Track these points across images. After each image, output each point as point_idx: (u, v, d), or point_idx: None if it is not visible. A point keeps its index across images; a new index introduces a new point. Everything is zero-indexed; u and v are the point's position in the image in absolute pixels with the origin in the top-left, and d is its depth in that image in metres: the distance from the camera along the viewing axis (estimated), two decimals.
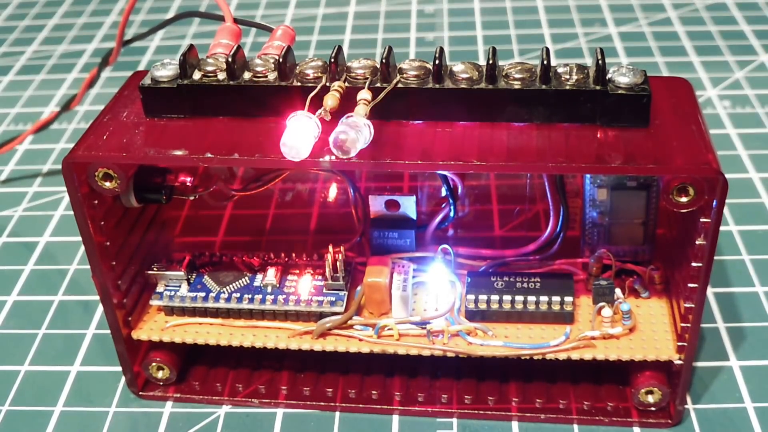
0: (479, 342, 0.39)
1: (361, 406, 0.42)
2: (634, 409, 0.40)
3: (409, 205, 0.42)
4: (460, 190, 0.42)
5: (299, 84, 0.36)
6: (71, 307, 0.49)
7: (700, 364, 0.43)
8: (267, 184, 0.42)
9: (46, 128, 0.57)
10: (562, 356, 0.39)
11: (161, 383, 0.43)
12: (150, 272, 0.42)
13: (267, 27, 0.41)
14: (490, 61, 0.35)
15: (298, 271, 0.42)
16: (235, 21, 0.41)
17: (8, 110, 0.70)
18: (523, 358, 0.39)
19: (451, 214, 0.42)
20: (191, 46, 0.37)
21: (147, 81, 0.37)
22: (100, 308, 0.49)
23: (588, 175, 0.40)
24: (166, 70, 0.37)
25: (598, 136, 0.35)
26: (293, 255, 0.43)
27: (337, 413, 0.42)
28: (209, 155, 0.35)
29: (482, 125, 0.35)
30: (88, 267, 0.52)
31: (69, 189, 0.36)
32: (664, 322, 0.40)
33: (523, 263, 0.42)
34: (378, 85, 0.35)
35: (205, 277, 0.42)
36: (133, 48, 0.79)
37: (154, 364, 0.42)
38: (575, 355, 0.39)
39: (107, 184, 0.37)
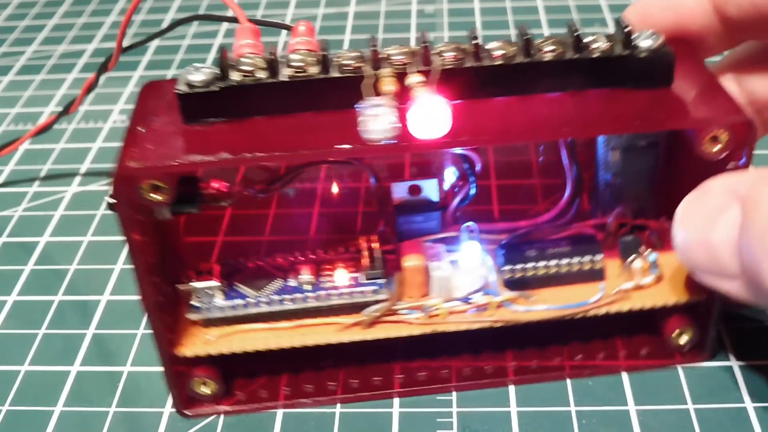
0: (523, 309, 0.41)
1: (418, 388, 0.42)
2: (669, 352, 0.43)
3: (431, 188, 0.43)
4: (478, 167, 0.43)
5: (343, 75, 0.36)
6: (71, 307, 0.49)
7: (699, 364, 0.43)
8: (288, 183, 0.41)
9: (46, 131, 0.56)
10: (601, 311, 0.41)
11: (206, 399, 0.42)
12: (183, 287, 0.40)
13: (285, 25, 0.41)
14: (525, 36, 0.36)
15: (329, 267, 0.42)
16: (251, 21, 0.41)
17: (8, 110, 0.70)
18: (565, 318, 0.41)
19: (472, 191, 0.43)
20: (223, 49, 0.37)
21: (182, 87, 0.36)
22: (100, 308, 0.49)
23: (601, 140, 0.42)
24: (201, 74, 0.36)
25: (631, 98, 0.37)
26: (320, 252, 0.43)
27: (396, 399, 0.42)
28: (277, 153, 0.35)
29: (520, 99, 0.37)
30: (88, 267, 0.52)
31: (121, 206, 0.35)
32: (683, 268, 0.41)
33: (545, 230, 0.44)
34: (421, 68, 0.36)
35: (238, 284, 0.41)
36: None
37: (198, 380, 0.41)
38: (614, 309, 0.41)
39: (156, 196, 0.36)
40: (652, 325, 0.43)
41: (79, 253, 0.53)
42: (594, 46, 0.37)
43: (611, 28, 0.76)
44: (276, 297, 0.41)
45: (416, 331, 0.40)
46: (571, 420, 0.41)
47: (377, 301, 0.41)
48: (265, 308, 0.41)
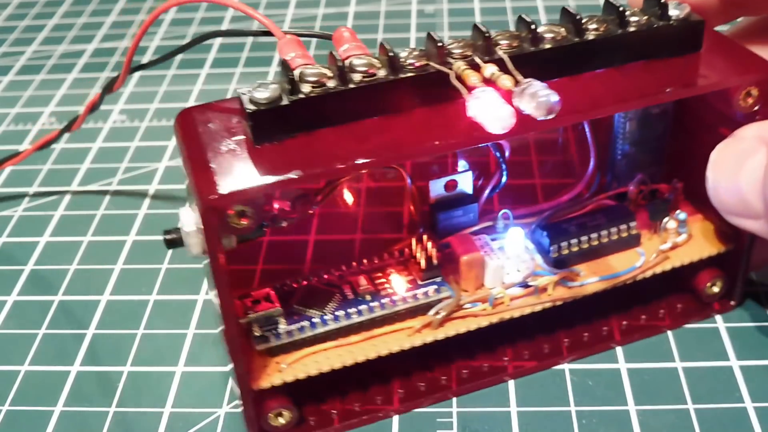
0: (578, 284, 0.42)
1: (481, 381, 0.43)
2: (703, 304, 0.46)
3: (466, 181, 0.43)
4: (507, 154, 0.43)
5: (414, 75, 0.36)
6: (71, 307, 0.49)
7: (699, 364, 0.43)
8: (328, 195, 0.40)
9: (48, 146, 0.55)
10: (647, 274, 0.43)
11: (285, 429, 0.40)
12: (247, 317, 0.39)
13: (324, 35, 0.40)
14: (578, 17, 0.38)
15: (380, 274, 0.42)
16: (290, 34, 0.39)
17: (8, 110, 0.70)
18: (617, 286, 0.43)
19: (503, 179, 0.43)
20: (285, 62, 0.36)
21: (250, 106, 0.35)
22: (100, 308, 0.49)
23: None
24: (267, 91, 0.34)
25: (670, 66, 0.39)
26: (365, 261, 0.43)
27: (455, 399, 0.42)
28: (376, 158, 0.34)
29: (572, 79, 0.38)
30: (89, 267, 0.52)
31: (210, 237, 0.33)
32: (707, 222, 0.45)
33: (573, 207, 0.45)
34: (486, 58, 0.36)
35: (296, 307, 0.40)
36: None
37: (271, 413, 0.40)
38: (658, 269, 0.43)
39: (243, 222, 0.34)
40: (681, 284, 0.46)
41: (79, 253, 0.53)
42: (633, 20, 0.38)
43: None
44: (341, 312, 0.40)
45: (484, 322, 0.41)
46: (571, 420, 0.41)
47: (440, 300, 0.41)
48: (332, 325, 0.40)
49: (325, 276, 0.42)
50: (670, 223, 0.44)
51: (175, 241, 0.36)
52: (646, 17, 0.39)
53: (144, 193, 0.58)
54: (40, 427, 0.42)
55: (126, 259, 0.52)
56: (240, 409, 0.42)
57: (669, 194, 0.45)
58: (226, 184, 0.33)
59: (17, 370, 0.45)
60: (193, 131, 0.37)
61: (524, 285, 0.42)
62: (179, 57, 0.77)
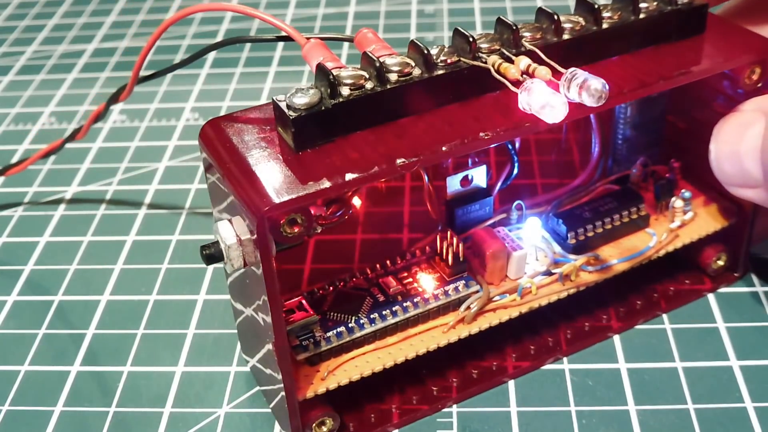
0: (599, 267, 0.43)
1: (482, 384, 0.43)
2: (708, 277, 0.47)
3: (480, 175, 0.43)
4: (518, 145, 0.44)
5: (450, 71, 0.36)
6: (71, 307, 0.49)
7: (699, 364, 0.43)
8: (350, 199, 0.39)
9: (54, 153, 0.55)
10: (661, 252, 0.44)
11: None
12: (287, 327, 0.38)
13: (346, 38, 0.40)
14: (597, 6, 0.39)
15: (406, 274, 0.42)
16: (315, 39, 0.39)
17: (8, 110, 0.70)
18: (634, 266, 0.44)
19: (515, 171, 0.44)
20: (322, 65, 0.35)
21: (291, 113, 0.34)
22: (100, 308, 0.49)
23: None
24: (307, 97, 0.34)
25: (680, 49, 0.40)
26: (388, 262, 0.43)
27: (512, 383, 0.43)
28: (421, 156, 0.34)
29: (592, 67, 0.38)
30: (88, 267, 0.52)
31: (262, 246, 0.33)
32: (708, 199, 0.47)
33: (579, 193, 0.47)
34: (513, 51, 0.37)
35: (330, 312, 0.40)
36: (135, 48, 0.79)
37: (315, 423, 0.39)
38: (670, 248, 0.45)
39: (295, 230, 0.34)
40: (686, 262, 0.47)
41: (79, 253, 0.53)
42: (643, 6, 0.40)
43: None
44: (375, 315, 0.40)
45: (514, 313, 0.41)
46: (571, 420, 0.41)
47: (469, 295, 0.41)
48: (369, 328, 0.39)
49: (352, 279, 0.42)
50: (677, 202, 0.46)
51: (214, 256, 0.35)
52: (655, 3, 0.40)
53: (144, 193, 0.58)
54: (40, 427, 0.42)
55: (126, 259, 0.52)
56: (242, 410, 0.42)
57: (669, 174, 0.47)
58: (277, 194, 0.33)
59: (17, 370, 0.45)
60: (224, 142, 0.36)
61: (548, 273, 0.43)
62: (177, 59, 0.77)
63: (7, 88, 0.73)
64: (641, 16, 0.40)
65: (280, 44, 0.76)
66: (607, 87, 0.34)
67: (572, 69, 0.35)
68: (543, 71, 0.36)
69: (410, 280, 0.42)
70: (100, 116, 0.51)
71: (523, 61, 0.36)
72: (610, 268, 0.44)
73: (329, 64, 0.36)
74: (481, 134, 0.35)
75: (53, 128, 0.67)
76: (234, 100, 0.68)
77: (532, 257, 0.43)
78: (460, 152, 0.35)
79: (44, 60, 0.78)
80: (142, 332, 0.47)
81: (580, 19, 0.39)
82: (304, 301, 0.40)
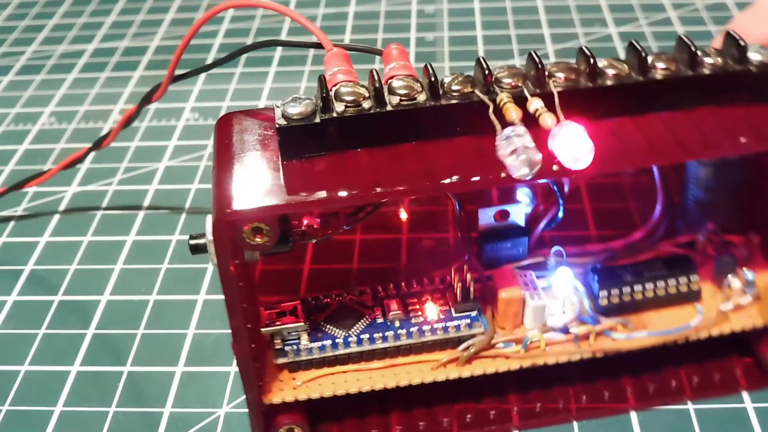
0: (623, 336, 0.39)
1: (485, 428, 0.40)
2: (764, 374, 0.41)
3: (518, 213, 0.41)
4: (566, 189, 0.41)
5: (455, 102, 0.34)
6: (71, 307, 0.49)
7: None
8: (370, 214, 0.39)
9: (77, 164, 0.54)
10: (702, 335, 0.39)
11: None
12: (268, 330, 0.38)
13: (375, 50, 0.39)
14: (643, 54, 0.35)
15: (415, 300, 0.40)
16: (338, 47, 0.39)
17: (8, 110, 0.70)
18: (667, 345, 0.39)
19: (560, 214, 0.41)
20: (322, 77, 0.35)
21: (282, 120, 0.34)
22: (100, 308, 0.49)
23: None
24: (301, 106, 0.34)
25: (745, 114, 0.36)
26: (402, 285, 0.41)
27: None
28: (396, 188, 0.32)
29: (633, 119, 0.35)
30: (89, 267, 0.52)
31: (220, 251, 0.33)
32: None
33: (632, 252, 0.42)
34: (537, 91, 0.34)
35: (323, 323, 0.39)
36: (135, 48, 0.79)
37: (283, 428, 0.39)
38: (715, 331, 0.39)
39: (258, 239, 0.33)
40: (745, 346, 0.42)
41: (79, 253, 0.53)
42: (707, 61, 0.36)
43: (611, 28, 0.77)
44: (365, 335, 0.38)
45: (515, 365, 0.39)
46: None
47: (472, 336, 0.39)
48: (354, 348, 0.38)
49: (361, 295, 0.41)
50: (735, 281, 0.41)
51: (199, 247, 0.35)
52: (721, 59, 0.36)
53: (144, 193, 0.58)
54: (40, 427, 0.42)
55: (126, 259, 0.52)
56: (242, 410, 0.42)
57: (742, 248, 0.42)
58: (243, 200, 0.32)
59: (17, 370, 0.45)
60: (227, 138, 0.36)
61: (565, 330, 0.39)
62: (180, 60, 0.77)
63: (7, 88, 0.73)
64: (703, 71, 0.35)
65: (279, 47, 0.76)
66: (533, 168, 0.31)
67: (514, 128, 0.32)
68: (548, 119, 0.33)
69: (416, 307, 0.40)
70: (131, 119, 0.50)
71: (535, 104, 0.33)
72: (639, 339, 0.39)
73: (340, 77, 0.35)
74: (473, 178, 0.33)
75: (53, 128, 0.66)
76: (234, 100, 0.68)
77: (559, 309, 0.40)
78: (446, 191, 0.34)
79: (44, 60, 0.78)
80: (142, 332, 0.47)
81: (625, 66, 0.36)
82: (299, 307, 0.39)
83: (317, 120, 0.34)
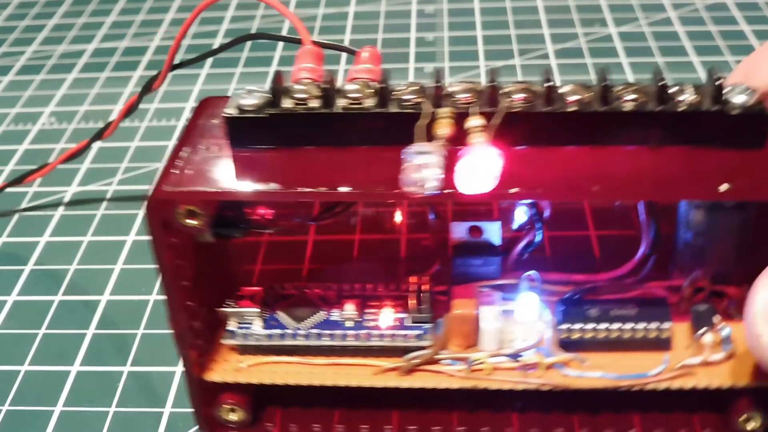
0: (575, 374, 0.37)
1: None
2: None
3: (493, 231, 0.40)
4: (546, 213, 0.40)
5: (400, 111, 0.34)
6: (71, 307, 0.49)
7: None
8: (341, 214, 0.39)
9: (78, 156, 0.54)
10: (661, 386, 0.37)
11: (234, 426, 0.40)
12: (222, 310, 0.39)
13: (349, 49, 0.39)
14: (604, 82, 0.34)
15: (376, 303, 0.40)
16: (314, 43, 0.39)
17: (8, 110, 0.70)
18: (620, 390, 0.37)
19: (537, 238, 0.40)
20: (278, 73, 0.35)
21: (232, 110, 0.35)
22: (100, 308, 0.49)
23: None
24: (253, 98, 0.34)
25: (717, 158, 0.33)
26: (369, 286, 0.41)
27: None
28: (314, 189, 0.33)
29: (592, 150, 0.34)
30: (89, 267, 0.52)
31: (153, 230, 0.34)
32: None
33: (612, 288, 0.40)
34: (486, 109, 0.33)
35: (280, 312, 0.40)
36: (135, 48, 0.79)
37: (226, 406, 0.40)
38: (675, 385, 0.37)
39: (191, 221, 0.34)
40: (717, 402, 0.39)
41: (79, 253, 0.53)
42: (680, 98, 0.33)
43: (611, 28, 0.77)
44: (315, 331, 0.39)
45: (456, 384, 0.38)
46: None
47: (419, 348, 0.38)
48: (301, 341, 0.39)
49: (326, 290, 0.41)
50: (707, 336, 0.38)
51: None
52: (697, 98, 0.33)
53: (144, 193, 0.58)
54: (40, 427, 0.42)
55: (126, 259, 0.52)
56: None
57: (734, 301, 0.39)
58: (178, 182, 0.34)
59: (17, 370, 0.45)
60: (196, 121, 0.37)
61: (514, 357, 0.38)
62: (177, 58, 0.77)
63: (7, 88, 0.73)
64: (672, 108, 0.33)
65: (280, 44, 0.76)
66: (426, 186, 0.30)
67: (424, 144, 0.32)
68: (479, 138, 0.32)
69: (374, 311, 0.40)
70: (132, 108, 0.50)
71: (474, 121, 0.33)
72: (591, 379, 0.37)
73: (303, 74, 0.36)
74: (377, 190, 0.33)
75: (53, 128, 0.67)
76: None
77: (521, 335, 0.38)
78: (380, 199, 0.35)
79: (44, 60, 0.78)
80: (142, 332, 0.47)
81: (589, 94, 0.34)
82: (260, 294, 0.40)
83: (263, 114, 0.34)
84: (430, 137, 0.32)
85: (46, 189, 0.60)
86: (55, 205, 0.58)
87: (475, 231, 0.40)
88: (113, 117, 0.67)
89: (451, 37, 0.77)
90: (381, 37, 0.77)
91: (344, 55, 0.70)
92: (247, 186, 0.34)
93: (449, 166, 0.32)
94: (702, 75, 0.68)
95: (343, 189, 0.33)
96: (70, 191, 0.59)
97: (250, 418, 0.40)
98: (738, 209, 0.38)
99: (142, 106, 0.68)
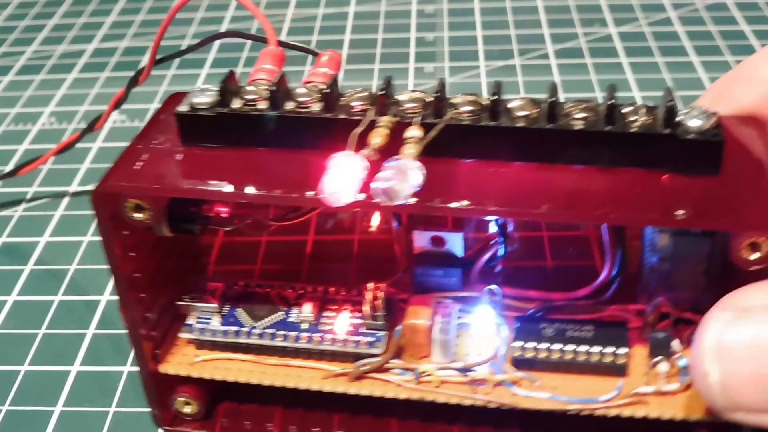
0: (525, 393, 0.37)
1: None
2: None
3: (455, 242, 0.40)
4: (510, 227, 0.40)
5: (345, 117, 0.34)
6: (71, 307, 0.49)
7: None
8: (306, 215, 0.40)
9: (69, 149, 0.55)
10: (611, 412, 0.36)
11: (188, 418, 0.41)
12: (181, 303, 0.40)
13: (313, 51, 0.39)
14: (552, 99, 0.33)
15: (336, 307, 0.40)
16: (279, 44, 0.39)
17: (8, 110, 0.70)
18: (570, 413, 0.36)
19: (500, 252, 0.40)
20: (231, 72, 0.36)
21: (184, 108, 0.35)
22: (101, 308, 0.49)
23: None
24: (205, 97, 0.35)
25: (665, 183, 0.32)
26: (331, 289, 0.41)
27: None
28: (249, 190, 0.33)
29: (539, 167, 0.33)
30: (89, 267, 0.52)
31: (99, 220, 0.35)
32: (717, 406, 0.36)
33: (574, 308, 0.40)
34: (429, 120, 0.33)
35: (239, 310, 0.40)
36: (135, 48, 0.79)
37: (181, 398, 0.40)
38: (626, 412, 0.36)
39: (138, 215, 0.35)
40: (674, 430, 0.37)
41: (79, 253, 0.53)
42: (632, 118, 0.33)
43: (611, 28, 0.77)
44: (269, 331, 0.39)
45: (403, 394, 0.38)
46: None
47: (371, 355, 0.38)
48: (255, 340, 0.39)
49: (290, 291, 0.41)
50: (662, 365, 0.36)
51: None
52: (649, 119, 0.33)
53: None
54: (40, 427, 0.42)
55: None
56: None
57: (694, 331, 0.36)
58: (127, 176, 0.34)
59: (17, 370, 0.45)
60: (158, 117, 0.38)
61: (463, 371, 0.38)
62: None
63: (7, 88, 0.73)
64: (621, 129, 0.32)
65: (249, 45, 0.76)
66: (332, 193, 0.30)
67: (397, 156, 0.31)
68: (411, 149, 0.31)
69: (331, 314, 0.40)
70: (121, 101, 0.50)
71: (412, 132, 0.32)
72: (538, 400, 0.37)
73: (260, 75, 0.36)
74: (293, 194, 0.33)
75: (53, 128, 0.67)
76: None
77: (476, 349, 0.38)
78: (312, 205, 0.35)
79: (44, 60, 0.78)
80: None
81: (537, 110, 0.33)
82: (221, 290, 0.40)
83: (211, 113, 0.35)
84: (364, 145, 0.32)
85: (46, 189, 0.60)
86: (55, 205, 0.58)
87: (438, 241, 0.40)
88: (113, 117, 0.67)
89: (451, 37, 0.77)
90: (381, 37, 0.77)
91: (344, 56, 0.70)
92: (187, 183, 0.34)
93: (369, 176, 0.31)
94: (702, 75, 0.68)
95: (250, 190, 0.33)
96: (69, 191, 0.59)
97: (204, 412, 0.41)
98: (703, 235, 0.37)
99: (142, 106, 0.68)
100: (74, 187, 0.60)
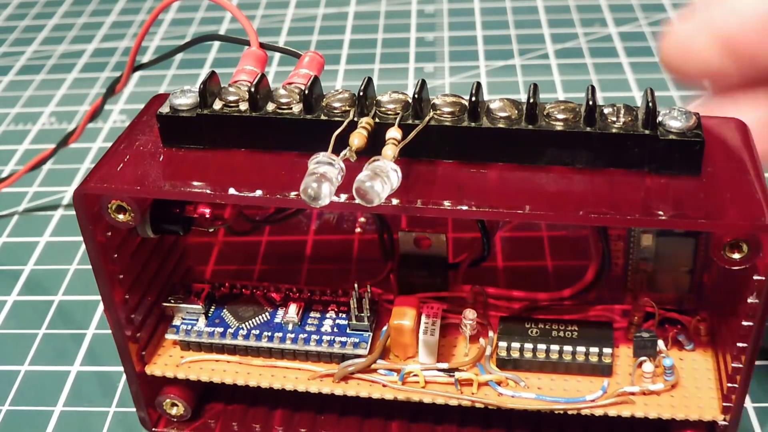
0: (510, 393, 0.37)
1: None
2: None
3: (440, 243, 0.40)
4: (494, 228, 0.40)
5: (325, 118, 0.34)
6: (71, 307, 0.49)
7: None
8: (290, 216, 0.40)
9: (41, 165, 0.55)
10: (597, 412, 0.36)
11: (175, 420, 0.41)
12: (167, 305, 0.40)
13: (294, 53, 0.39)
14: (531, 100, 0.33)
15: (321, 308, 0.40)
16: (261, 46, 0.39)
17: (8, 110, 0.70)
18: (556, 412, 0.37)
19: (485, 253, 0.40)
20: (212, 73, 0.36)
21: (165, 109, 0.35)
22: (100, 308, 0.49)
23: None
24: (186, 98, 0.35)
25: (646, 183, 0.32)
26: (317, 290, 0.41)
27: None
28: (230, 192, 0.33)
29: (520, 168, 0.33)
30: (89, 267, 0.52)
31: (80, 221, 0.35)
32: (708, 378, 0.37)
33: (560, 308, 0.40)
34: (409, 121, 0.33)
35: (224, 311, 0.40)
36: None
37: (168, 400, 0.40)
38: (612, 412, 0.36)
39: (120, 216, 0.35)
40: (660, 430, 0.38)
41: (79, 254, 0.53)
42: (612, 119, 0.32)
43: (611, 28, 0.77)
44: (256, 332, 0.39)
45: (388, 394, 0.38)
46: None
47: (356, 356, 0.38)
48: (241, 341, 0.39)
49: (276, 293, 0.41)
50: (647, 365, 0.36)
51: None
52: (629, 120, 0.32)
53: None
54: (40, 427, 0.42)
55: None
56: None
57: (680, 330, 0.38)
58: (108, 177, 0.34)
59: (17, 370, 0.45)
60: (140, 118, 0.38)
61: (449, 372, 0.38)
62: (179, 57, 0.77)
63: (7, 88, 0.73)
64: (601, 130, 0.32)
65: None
66: (311, 196, 0.30)
67: (376, 157, 0.31)
68: (389, 151, 0.31)
69: (317, 315, 0.40)
70: (97, 113, 0.51)
71: (392, 133, 0.32)
72: (524, 400, 0.37)
73: (241, 76, 0.36)
74: (278, 195, 0.33)
75: (53, 128, 0.67)
76: None
77: (460, 350, 0.38)
78: (265, 204, 0.35)
79: (44, 60, 0.78)
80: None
81: (517, 111, 0.33)
82: (206, 291, 0.41)
83: (192, 114, 0.35)
84: (344, 146, 0.32)
85: (46, 189, 0.60)
86: (55, 206, 0.58)
87: (424, 242, 0.40)
88: (113, 117, 0.67)
89: (451, 37, 0.77)
90: (381, 37, 0.78)
91: (344, 58, 0.70)
92: (168, 185, 0.34)
93: (349, 177, 0.31)
94: None
95: (231, 192, 0.33)
96: (70, 191, 0.59)
97: (191, 414, 0.41)
98: (687, 235, 0.37)
99: (141, 106, 0.68)
100: (74, 187, 0.59)
